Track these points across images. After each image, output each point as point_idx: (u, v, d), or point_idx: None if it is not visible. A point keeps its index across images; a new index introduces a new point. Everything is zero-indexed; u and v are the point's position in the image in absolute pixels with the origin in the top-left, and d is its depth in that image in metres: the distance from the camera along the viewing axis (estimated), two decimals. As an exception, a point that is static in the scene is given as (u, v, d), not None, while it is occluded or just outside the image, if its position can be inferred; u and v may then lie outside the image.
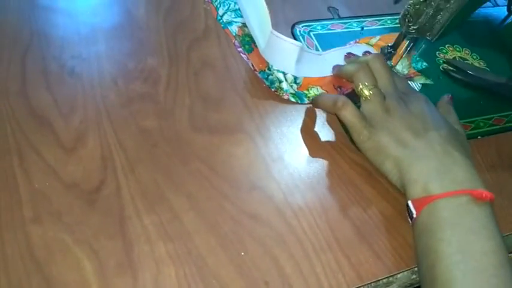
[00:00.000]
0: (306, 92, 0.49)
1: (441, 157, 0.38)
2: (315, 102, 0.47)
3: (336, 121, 0.47)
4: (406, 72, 0.54)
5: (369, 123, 0.41)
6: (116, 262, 0.34)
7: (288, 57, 0.49)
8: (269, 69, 0.49)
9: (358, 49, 0.53)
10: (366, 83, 0.43)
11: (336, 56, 0.51)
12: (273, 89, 0.48)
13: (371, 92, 0.42)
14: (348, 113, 0.42)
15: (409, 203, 0.37)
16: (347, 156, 0.45)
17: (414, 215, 0.37)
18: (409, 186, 0.38)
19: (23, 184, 0.37)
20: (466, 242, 0.34)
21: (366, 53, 0.53)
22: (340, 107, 0.42)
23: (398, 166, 0.39)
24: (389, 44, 0.52)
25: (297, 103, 0.48)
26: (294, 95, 0.48)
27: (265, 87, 0.49)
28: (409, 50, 0.51)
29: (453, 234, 0.34)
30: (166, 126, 0.43)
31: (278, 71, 0.49)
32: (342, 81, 0.49)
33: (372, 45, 0.54)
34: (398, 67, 0.53)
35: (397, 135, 0.40)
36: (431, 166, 0.38)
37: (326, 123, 0.47)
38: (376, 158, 0.41)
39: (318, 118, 0.48)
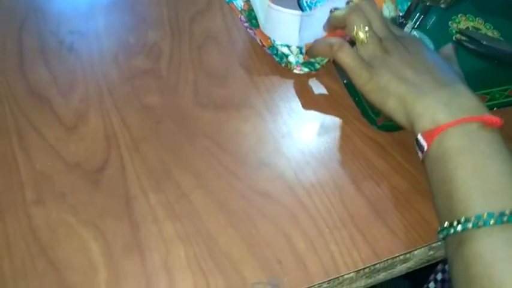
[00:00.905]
0: (311, 60, 0.47)
1: (445, 89, 0.37)
2: (310, 51, 0.45)
3: (347, 95, 0.46)
4: (393, 15, 0.51)
5: (368, 65, 0.40)
6: (123, 243, 0.33)
7: (289, 29, 0.47)
8: (273, 44, 0.47)
9: (341, 2, 0.51)
10: (361, 25, 0.41)
11: (325, 14, 0.49)
12: (283, 65, 0.47)
13: (367, 35, 0.41)
14: (346, 54, 0.40)
15: (419, 136, 0.36)
16: (359, 131, 0.43)
17: (425, 148, 0.36)
18: (416, 120, 0.37)
19: (24, 164, 0.36)
20: (481, 166, 0.33)
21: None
22: (336, 49, 0.40)
23: (403, 103, 0.38)
24: (401, 14, 0.50)
25: (310, 73, 0.47)
26: (304, 64, 0.46)
27: (271, 61, 0.47)
28: (421, 19, 0.49)
29: (467, 160, 0.33)
30: (170, 102, 0.42)
31: (282, 45, 0.47)
32: (336, 35, 0.46)
33: None
34: (385, 12, 0.50)
35: (398, 73, 0.39)
36: (436, 98, 0.37)
37: (335, 98, 0.46)
38: (379, 99, 0.40)
39: (327, 91, 0.46)
